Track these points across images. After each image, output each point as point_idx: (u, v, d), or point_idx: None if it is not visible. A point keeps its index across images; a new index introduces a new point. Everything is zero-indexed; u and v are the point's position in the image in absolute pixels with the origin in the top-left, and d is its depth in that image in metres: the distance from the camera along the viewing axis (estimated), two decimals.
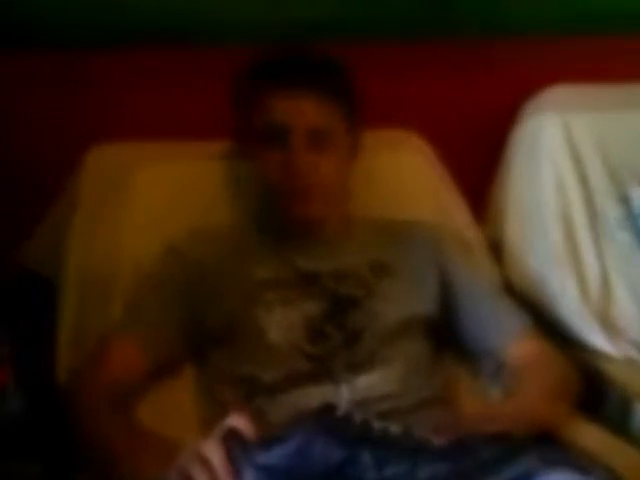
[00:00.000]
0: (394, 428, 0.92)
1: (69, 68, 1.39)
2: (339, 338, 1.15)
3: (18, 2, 1.37)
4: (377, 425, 0.92)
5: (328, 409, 0.93)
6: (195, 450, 0.89)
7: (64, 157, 1.33)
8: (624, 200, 1.45)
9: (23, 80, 1.38)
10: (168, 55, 1.40)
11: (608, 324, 1.38)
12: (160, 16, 1.41)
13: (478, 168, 1.50)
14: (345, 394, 1.11)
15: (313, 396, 1.11)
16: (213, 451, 0.87)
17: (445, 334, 1.24)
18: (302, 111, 1.18)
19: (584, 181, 1.46)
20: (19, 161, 1.36)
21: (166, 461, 0.92)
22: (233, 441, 0.88)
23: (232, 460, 0.87)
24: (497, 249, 1.45)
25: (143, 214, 1.30)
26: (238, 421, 0.89)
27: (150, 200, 1.31)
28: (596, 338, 1.35)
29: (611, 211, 1.45)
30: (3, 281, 1.24)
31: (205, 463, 0.87)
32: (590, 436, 1.12)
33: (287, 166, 1.17)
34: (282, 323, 1.15)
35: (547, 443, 1.06)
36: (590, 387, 1.18)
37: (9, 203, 1.23)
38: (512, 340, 1.21)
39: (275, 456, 0.87)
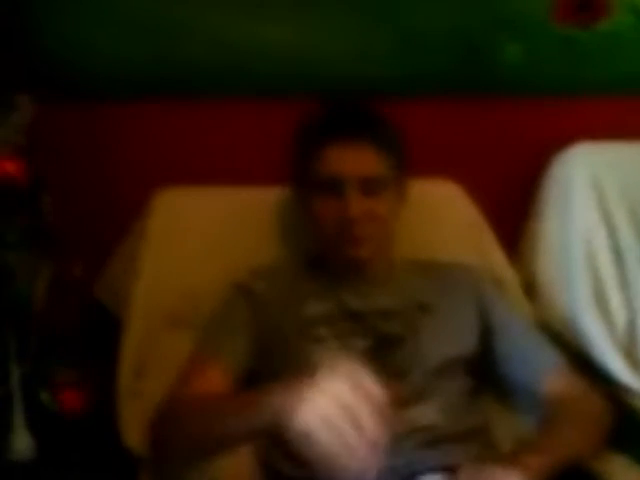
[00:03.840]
0: None
1: (137, 119, 1.49)
2: (383, 374, 1.20)
3: (88, 58, 1.48)
4: None
5: None
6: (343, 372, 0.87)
7: (134, 198, 1.42)
8: None
9: (98, 131, 1.48)
10: (229, 104, 1.50)
11: (637, 363, 1.43)
12: (220, 66, 1.50)
13: (511, 214, 1.58)
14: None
15: None
16: (361, 375, 0.87)
17: (483, 370, 1.29)
18: (356, 161, 1.25)
19: (611, 229, 1.52)
20: (94, 203, 1.46)
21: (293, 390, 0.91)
22: None
23: None
24: (530, 289, 1.51)
25: (204, 251, 1.39)
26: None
27: (210, 238, 1.40)
28: (626, 376, 1.40)
29: (636, 256, 1.51)
30: (83, 315, 1.33)
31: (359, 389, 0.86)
32: (622, 471, 1.17)
33: (342, 214, 1.24)
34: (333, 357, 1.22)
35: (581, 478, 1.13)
36: (620, 423, 1.21)
37: (86, 242, 1.32)
38: (547, 376, 1.25)
39: None
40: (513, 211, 1.58)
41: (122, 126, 1.49)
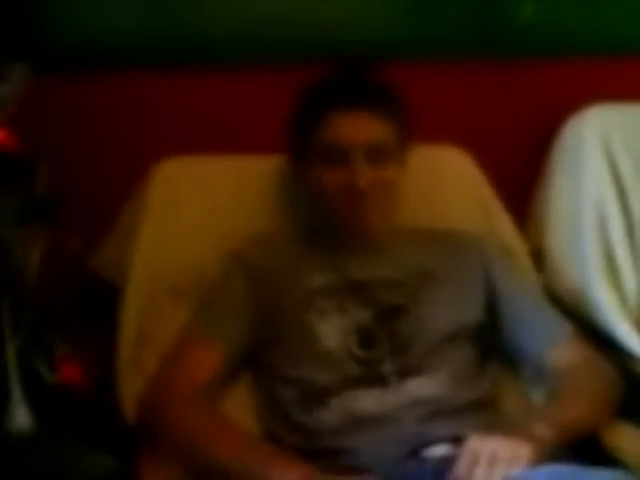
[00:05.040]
0: None
1: (136, 88, 1.47)
2: (388, 344, 1.21)
3: (88, 26, 1.45)
4: None
5: None
6: None
7: (133, 170, 1.40)
8: None
9: (97, 101, 1.46)
10: (229, 72, 1.47)
11: None
12: (219, 34, 1.48)
13: (521, 181, 1.55)
14: (394, 397, 1.17)
15: (364, 399, 1.17)
16: None
17: (490, 339, 1.29)
18: (361, 129, 1.22)
19: (622, 196, 1.49)
20: (92, 175, 1.44)
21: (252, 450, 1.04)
22: None
23: None
24: (538, 257, 1.49)
25: (204, 222, 1.37)
26: None
27: (211, 208, 1.38)
28: (635, 345, 1.38)
29: None
30: (81, 287, 1.32)
31: None
32: (631, 440, 1.15)
33: (348, 182, 1.22)
34: (335, 329, 1.21)
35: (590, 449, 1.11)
36: (629, 391, 1.21)
37: (83, 213, 1.30)
38: (554, 344, 1.25)
39: None
40: (523, 178, 1.56)
41: (120, 96, 1.47)
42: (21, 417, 1.02)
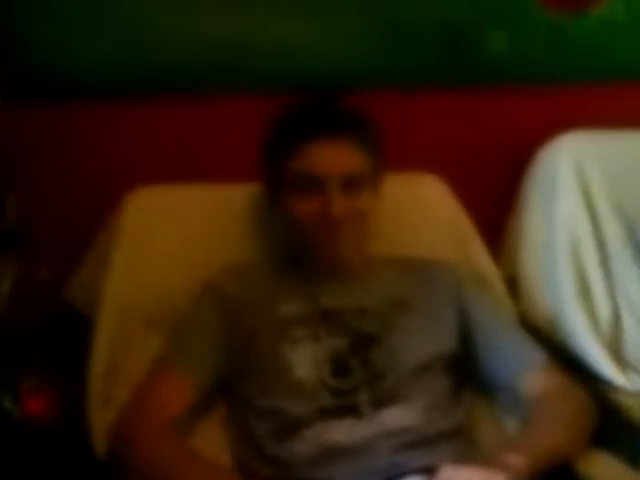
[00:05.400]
0: None
1: (108, 117, 1.47)
2: (362, 374, 1.20)
3: (59, 55, 1.45)
4: None
5: None
6: None
7: (105, 199, 1.40)
8: (633, 238, 1.50)
9: (68, 130, 1.46)
10: (202, 102, 1.48)
11: (620, 359, 1.41)
12: (190, 65, 1.48)
13: (494, 208, 1.56)
14: (368, 428, 1.16)
15: (337, 430, 1.16)
16: None
17: (464, 368, 1.28)
18: (337, 159, 1.22)
19: (595, 221, 1.50)
20: (63, 203, 1.44)
21: None
22: None
23: None
24: (512, 285, 1.49)
25: (178, 252, 1.36)
26: None
27: (184, 237, 1.38)
28: (609, 372, 1.38)
29: (621, 249, 1.49)
30: (51, 317, 1.31)
31: None
32: (606, 469, 1.14)
33: (323, 212, 1.21)
34: (309, 358, 1.20)
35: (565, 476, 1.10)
36: (604, 419, 1.20)
37: (55, 242, 1.29)
38: (529, 372, 1.24)
39: None
40: (496, 206, 1.57)
41: (92, 125, 1.47)
42: None
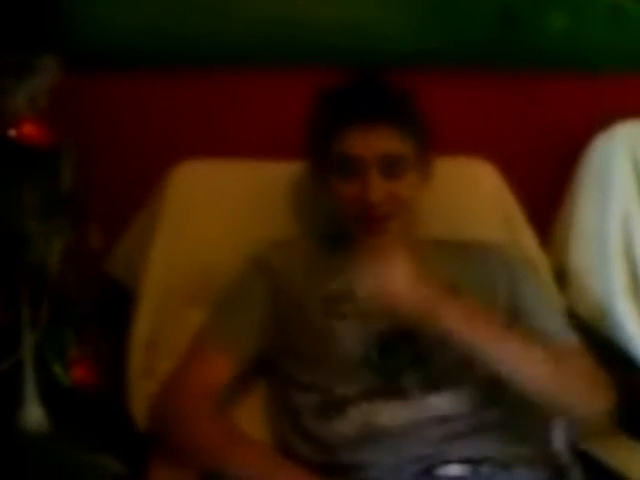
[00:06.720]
0: None
1: (154, 89, 1.46)
2: (409, 355, 1.19)
3: (105, 26, 1.44)
4: None
5: None
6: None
7: (150, 171, 1.39)
8: None
9: (123, 100, 1.45)
10: (251, 76, 1.47)
11: None
12: (243, 38, 1.47)
13: (546, 196, 1.53)
14: (413, 411, 1.15)
15: (382, 412, 1.16)
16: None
17: None
18: (377, 142, 1.21)
19: None
20: (109, 175, 1.42)
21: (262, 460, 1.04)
22: None
23: None
24: (560, 276, 1.47)
25: (221, 226, 1.35)
26: None
27: (228, 213, 1.36)
28: None
29: None
30: (94, 288, 1.30)
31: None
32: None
33: (362, 196, 1.20)
34: (354, 335, 1.19)
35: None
36: None
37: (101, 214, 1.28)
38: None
39: None
40: (548, 194, 1.54)
41: (139, 98, 1.46)
42: (34, 416, 1.01)
